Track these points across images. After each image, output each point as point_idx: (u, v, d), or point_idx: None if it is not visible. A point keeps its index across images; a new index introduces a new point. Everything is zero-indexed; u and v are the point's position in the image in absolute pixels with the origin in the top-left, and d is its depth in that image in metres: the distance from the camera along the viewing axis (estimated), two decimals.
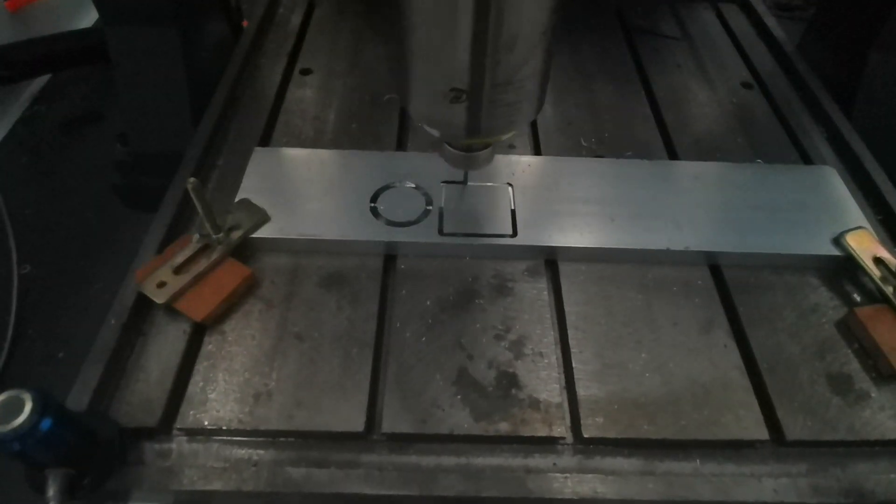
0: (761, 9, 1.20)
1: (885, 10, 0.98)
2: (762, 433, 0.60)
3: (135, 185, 1.09)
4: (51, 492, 0.50)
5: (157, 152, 1.01)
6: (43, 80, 2.39)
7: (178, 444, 0.58)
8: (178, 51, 0.98)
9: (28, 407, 0.47)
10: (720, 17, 1.22)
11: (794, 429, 0.60)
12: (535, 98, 0.58)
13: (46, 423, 0.48)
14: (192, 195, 0.63)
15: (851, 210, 0.79)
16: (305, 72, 1.00)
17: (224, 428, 0.58)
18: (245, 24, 1.14)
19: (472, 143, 0.63)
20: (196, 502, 0.57)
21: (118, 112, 1.04)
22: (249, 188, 0.76)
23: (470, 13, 0.47)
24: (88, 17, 2.56)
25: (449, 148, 0.65)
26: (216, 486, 0.55)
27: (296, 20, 1.13)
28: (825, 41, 1.12)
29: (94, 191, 1.98)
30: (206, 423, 0.58)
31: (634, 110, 0.97)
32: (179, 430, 0.59)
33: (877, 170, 0.87)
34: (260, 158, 0.81)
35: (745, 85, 1.04)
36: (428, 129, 0.60)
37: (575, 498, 0.55)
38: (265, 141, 0.89)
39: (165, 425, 0.59)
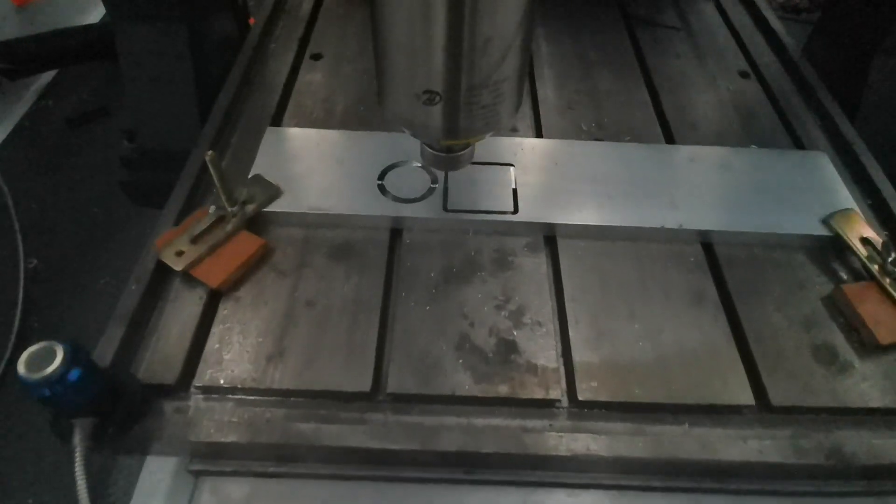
0: (760, 1, 1.23)
1: (892, 15, 0.99)
2: (748, 398, 0.63)
3: (141, 181, 1.09)
4: (77, 438, 0.54)
5: (164, 149, 1.02)
6: (50, 75, 2.41)
7: (196, 401, 0.62)
8: (185, 48, 0.99)
9: (59, 357, 0.50)
10: (719, 8, 1.24)
11: (779, 395, 0.63)
12: (513, 100, 0.58)
13: (75, 373, 0.51)
14: (210, 166, 0.66)
15: (841, 193, 0.81)
16: (316, 56, 1.04)
17: (239, 386, 0.62)
18: (252, 21, 1.15)
19: (452, 144, 0.63)
20: (212, 453, 0.61)
21: (124, 108, 1.05)
22: (262, 165, 0.80)
23: (443, 16, 0.48)
24: (95, 13, 2.57)
25: (428, 149, 0.65)
26: (231, 438, 0.58)
27: (307, 7, 1.16)
28: (831, 45, 1.13)
29: (101, 186, 2.01)
30: (221, 381, 0.62)
31: (633, 97, 1.00)
32: (197, 387, 0.62)
33: (867, 156, 0.90)
34: (272, 137, 0.84)
35: (742, 74, 1.07)
36: (405, 130, 0.61)
37: (568, 454, 0.58)
38: (277, 122, 0.92)
39: (184, 383, 0.62)
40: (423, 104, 0.55)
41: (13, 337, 1.59)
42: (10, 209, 1.76)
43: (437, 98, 0.54)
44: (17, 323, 1.62)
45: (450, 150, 0.65)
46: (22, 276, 1.69)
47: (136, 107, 1.03)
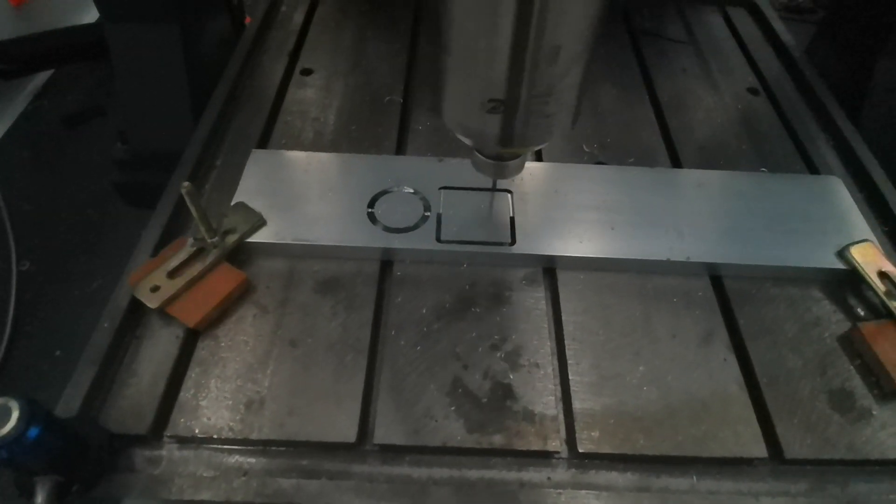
0: (769, 13, 1.18)
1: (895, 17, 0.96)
2: (761, 450, 0.59)
3: (135, 182, 1.08)
4: (39, 498, 0.50)
5: (157, 150, 0.99)
6: (45, 75, 2.38)
7: (169, 452, 0.58)
8: (178, 48, 0.97)
9: (15, 415, 0.46)
10: (727, 20, 1.20)
11: (794, 446, 0.59)
12: (573, 109, 0.57)
13: (34, 432, 0.47)
14: (187, 199, 0.62)
15: (857, 222, 0.77)
16: (306, 72, 0.99)
17: (215, 436, 0.57)
18: (248, 20, 1.12)
19: (505, 152, 0.62)
20: None
21: (117, 109, 1.03)
22: (246, 191, 0.76)
23: (513, 25, 0.46)
24: (91, 13, 2.54)
25: (479, 155, 0.64)
26: (205, 495, 0.54)
27: (298, 18, 1.12)
28: (834, 47, 1.10)
29: (95, 187, 1.98)
30: (196, 430, 0.58)
31: (638, 115, 0.96)
32: (170, 437, 0.58)
33: (883, 180, 0.85)
34: (257, 160, 0.80)
35: (752, 90, 1.03)
36: (461, 138, 0.59)
37: None
38: (264, 141, 0.88)
39: (156, 432, 0.58)
40: (486, 113, 0.53)
41: (5, 341, 1.56)
42: (3, 210, 1.73)
43: (502, 107, 0.52)
44: (9, 327, 1.58)
45: (500, 157, 0.63)
46: (14, 278, 1.66)
47: (129, 108, 1.00)
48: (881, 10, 1.00)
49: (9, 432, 0.46)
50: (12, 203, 1.78)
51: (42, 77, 2.38)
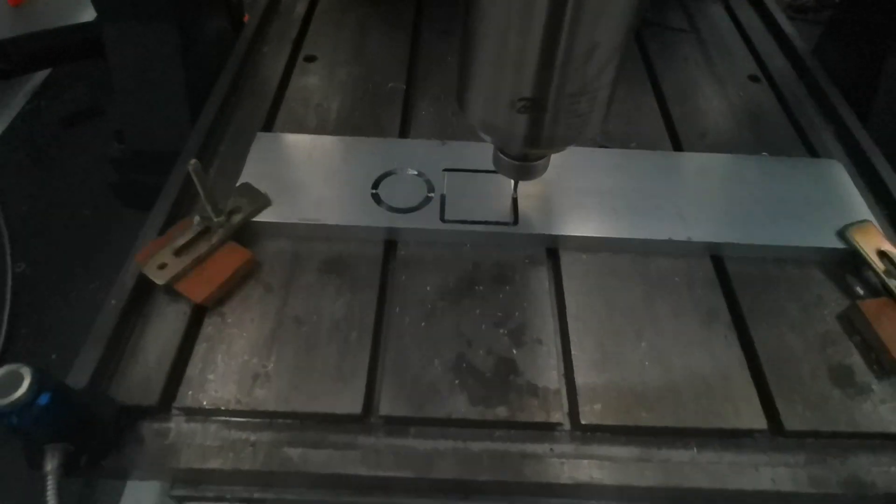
0: (771, 3, 1.19)
1: None
2: (761, 423, 0.59)
3: (132, 182, 1.07)
4: (48, 467, 0.51)
5: (154, 150, 0.99)
6: (43, 74, 2.36)
7: (177, 424, 0.59)
8: (176, 48, 0.96)
9: (27, 381, 0.47)
10: (729, 11, 1.21)
11: (793, 419, 0.60)
12: (605, 108, 0.55)
13: (44, 398, 0.48)
14: (194, 177, 0.63)
15: (857, 204, 0.78)
16: (310, 59, 1.00)
17: (222, 408, 0.58)
18: (246, 19, 1.13)
19: (530, 153, 0.61)
20: (193, 481, 0.58)
21: (114, 109, 1.02)
22: (251, 173, 0.76)
23: (547, 22, 0.45)
24: (89, 12, 2.52)
25: (502, 156, 0.63)
26: (213, 464, 0.55)
27: (301, 8, 1.13)
28: (842, 46, 1.09)
29: (92, 188, 1.95)
30: (204, 403, 0.58)
31: (640, 103, 0.97)
32: (178, 409, 0.59)
33: (884, 165, 0.86)
34: (262, 143, 0.81)
35: (753, 78, 1.03)
36: (486, 137, 0.58)
37: (571, 483, 0.55)
38: (268, 127, 0.89)
39: (164, 405, 0.59)
40: (516, 112, 0.52)
41: (0, 343, 1.53)
42: None
43: (533, 106, 0.51)
44: (4, 330, 1.57)
45: (525, 157, 0.62)
46: (10, 281, 1.65)
47: (127, 108, 1.00)
48: (890, 8, 0.99)
49: (20, 398, 0.47)
50: (8, 204, 1.77)
51: (39, 76, 2.36)
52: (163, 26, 0.95)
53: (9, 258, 1.69)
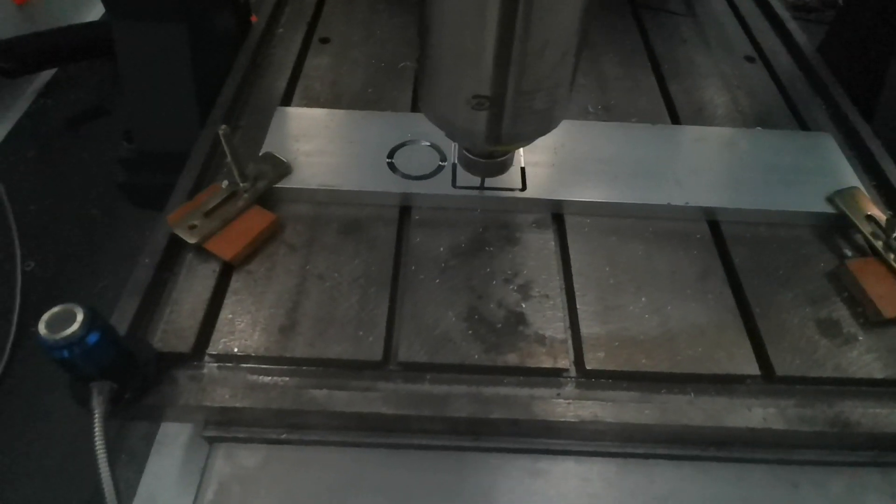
0: None
1: None
2: (753, 369, 0.64)
3: (140, 182, 1.07)
4: (95, 402, 0.55)
5: (163, 150, 0.98)
6: (49, 73, 2.37)
7: (209, 370, 0.63)
8: (185, 47, 0.96)
9: (79, 319, 0.51)
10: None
11: (784, 366, 0.64)
12: (564, 103, 0.56)
13: (94, 337, 0.52)
14: (223, 141, 0.67)
15: (846, 172, 0.82)
16: (324, 40, 1.04)
17: (252, 355, 0.63)
18: (254, 19, 1.14)
19: (494, 149, 0.62)
20: (226, 420, 0.62)
21: (123, 108, 1.01)
22: (273, 143, 0.81)
23: (499, 19, 0.45)
24: (95, 11, 2.54)
25: (466, 154, 0.64)
26: (244, 403, 0.59)
27: None
28: (846, 47, 1.11)
29: (100, 187, 1.98)
30: (235, 349, 0.63)
31: (640, 81, 1.01)
32: (211, 356, 0.63)
33: (872, 139, 0.90)
34: (282, 117, 0.85)
35: (748, 58, 1.08)
36: (448, 136, 0.59)
37: (576, 420, 0.59)
38: (286, 104, 0.93)
39: (198, 352, 0.63)
40: (471, 109, 0.52)
41: (10, 342, 1.56)
42: (8, 210, 1.72)
43: (487, 103, 0.51)
44: (13, 328, 1.59)
45: (491, 155, 0.64)
46: (19, 279, 1.66)
47: (135, 108, 1.01)
48: (894, 9, 1.01)
49: (73, 333, 0.51)
50: (17, 203, 1.77)
51: (46, 76, 2.37)
52: (173, 25, 0.96)
53: (18, 257, 1.69)
